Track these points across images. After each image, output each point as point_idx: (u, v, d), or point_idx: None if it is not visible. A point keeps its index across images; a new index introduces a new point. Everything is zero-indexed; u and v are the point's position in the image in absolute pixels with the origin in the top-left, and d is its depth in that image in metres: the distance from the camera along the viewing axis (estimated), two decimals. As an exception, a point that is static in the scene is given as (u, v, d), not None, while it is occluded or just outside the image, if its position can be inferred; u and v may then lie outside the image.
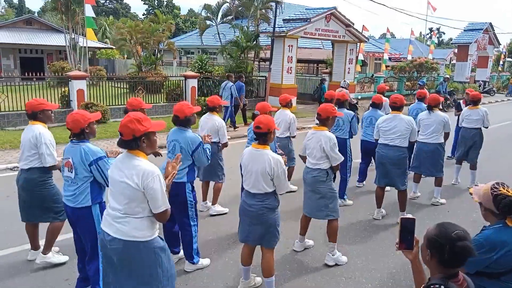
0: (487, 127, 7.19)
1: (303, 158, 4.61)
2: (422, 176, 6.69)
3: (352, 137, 6.23)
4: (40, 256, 4.10)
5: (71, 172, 3.33)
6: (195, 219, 4.08)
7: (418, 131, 6.10)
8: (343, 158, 4.35)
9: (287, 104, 6.33)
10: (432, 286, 1.80)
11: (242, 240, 3.77)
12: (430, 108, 6.28)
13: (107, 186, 3.27)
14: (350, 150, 6.23)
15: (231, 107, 11.77)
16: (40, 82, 11.94)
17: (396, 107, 5.59)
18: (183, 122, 3.92)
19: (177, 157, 3.00)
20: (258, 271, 4.09)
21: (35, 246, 4.29)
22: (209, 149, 4.09)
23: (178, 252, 4.36)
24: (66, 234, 4.67)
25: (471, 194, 2.67)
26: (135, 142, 2.59)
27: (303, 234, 4.73)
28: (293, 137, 6.39)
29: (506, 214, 2.47)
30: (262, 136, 3.43)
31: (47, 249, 4.11)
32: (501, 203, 2.44)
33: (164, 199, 2.57)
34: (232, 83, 11.77)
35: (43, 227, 4.24)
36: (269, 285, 3.65)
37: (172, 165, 2.92)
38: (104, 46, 31.54)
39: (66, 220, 4.18)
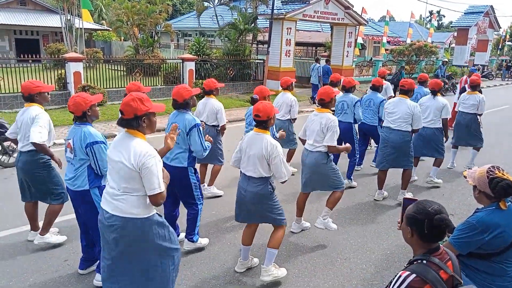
0: (480, 115, 7.18)
1: (303, 141, 4.65)
2: (421, 159, 6.73)
3: (356, 123, 6.24)
4: (38, 237, 4.16)
5: (72, 154, 3.39)
6: (200, 199, 4.16)
7: None
8: (335, 142, 4.33)
9: (288, 87, 6.31)
10: (415, 262, 1.89)
11: (241, 221, 3.84)
12: (434, 93, 6.28)
13: (100, 173, 3.37)
14: (357, 133, 6.30)
15: (320, 85, 13.82)
16: (36, 64, 11.83)
17: (404, 90, 5.58)
18: (182, 105, 3.93)
19: (174, 127, 3.10)
20: (254, 252, 4.16)
21: (34, 227, 4.34)
22: (209, 146, 4.09)
23: (178, 235, 4.41)
24: (66, 216, 4.73)
25: (465, 177, 2.71)
26: (136, 121, 2.61)
27: (300, 215, 4.80)
28: (294, 119, 6.39)
29: (501, 197, 2.52)
30: (262, 123, 3.50)
31: (45, 230, 4.17)
32: (497, 186, 2.48)
33: (158, 182, 2.57)
34: (319, 65, 14.31)
35: (42, 208, 4.28)
36: (270, 255, 3.69)
37: (170, 137, 3.02)
38: (101, 28, 31.08)
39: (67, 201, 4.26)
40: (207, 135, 4.25)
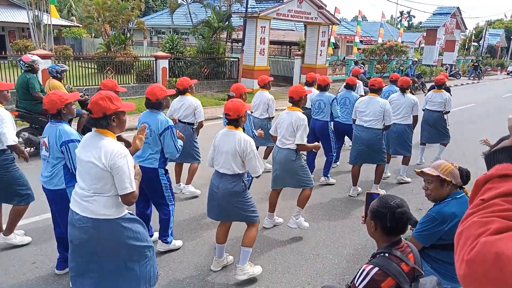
0: (448, 112, 7.45)
1: (274, 138, 4.71)
2: (392, 156, 6.92)
3: (333, 120, 6.36)
4: (1, 237, 4.05)
5: (47, 152, 3.33)
6: (171, 199, 4.12)
7: None
8: (305, 141, 4.42)
9: (265, 86, 6.35)
10: (378, 255, 1.97)
11: (213, 217, 3.85)
12: (403, 90, 6.47)
13: (74, 172, 3.27)
14: (333, 131, 6.40)
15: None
16: (2, 61, 11.39)
17: (374, 89, 5.73)
18: (155, 105, 3.89)
19: (142, 127, 3.06)
20: (229, 250, 4.18)
21: None
22: (181, 145, 4.06)
23: (151, 236, 4.37)
24: (33, 217, 4.62)
25: (417, 173, 2.87)
26: (105, 120, 2.58)
27: (272, 211, 4.86)
28: (272, 118, 6.42)
29: (465, 184, 2.75)
30: (233, 122, 3.52)
31: (9, 230, 4.06)
32: (467, 174, 2.75)
33: (130, 181, 2.56)
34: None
35: (7, 208, 4.15)
36: (245, 254, 3.71)
37: (138, 138, 2.98)
38: (71, 24, 30.16)
39: (31, 203, 4.15)
40: (178, 132, 4.15)
